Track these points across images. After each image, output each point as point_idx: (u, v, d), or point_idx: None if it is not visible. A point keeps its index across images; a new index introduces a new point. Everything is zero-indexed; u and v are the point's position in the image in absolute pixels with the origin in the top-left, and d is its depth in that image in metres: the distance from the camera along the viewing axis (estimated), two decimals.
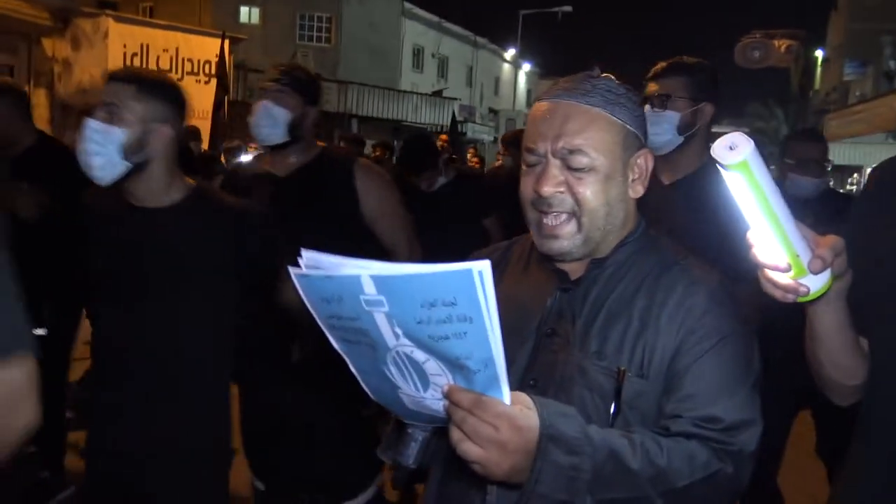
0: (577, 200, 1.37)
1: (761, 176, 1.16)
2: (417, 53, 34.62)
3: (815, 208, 3.31)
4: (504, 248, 1.63)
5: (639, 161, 1.42)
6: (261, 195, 2.76)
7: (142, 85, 2.11)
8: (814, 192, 3.51)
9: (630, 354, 1.34)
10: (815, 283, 1.23)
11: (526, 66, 43.27)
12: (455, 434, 1.13)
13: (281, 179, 2.85)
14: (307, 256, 1.10)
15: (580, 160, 1.36)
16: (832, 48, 31.36)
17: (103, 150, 2.04)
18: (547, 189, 1.37)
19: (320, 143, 3.01)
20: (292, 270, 1.10)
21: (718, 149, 1.17)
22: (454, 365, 1.10)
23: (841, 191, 8.75)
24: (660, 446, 1.24)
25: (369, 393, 1.24)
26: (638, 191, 1.44)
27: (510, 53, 41.92)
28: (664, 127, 2.48)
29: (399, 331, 1.08)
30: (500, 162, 8.00)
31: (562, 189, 1.37)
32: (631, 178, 1.42)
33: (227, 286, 2.25)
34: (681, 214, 2.19)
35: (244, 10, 28.26)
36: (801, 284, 1.22)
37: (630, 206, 1.45)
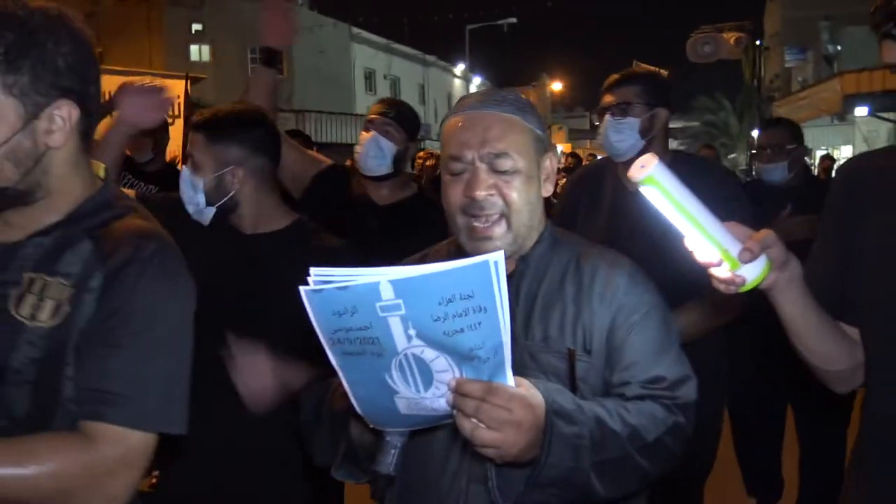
0: (506, 202, 1.47)
1: (671, 186, 1.28)
2: (369, 77, 34.95)
3: (803, 196, 3.36)
4: (416, 260, 1.67)
5: (546, 163, 1.55)
6: (362, 221, 2.83)
7: (210, 132, 2.16)
8: (781, 176, 3.57)
9: (572, 336, 1.46)
10: (751, 273, 1.31)
11: (476, 80, 43.73)
12: (467, 424, 1.18)
13: (380, 208, 2.92)
14: (316, 272, 1.12)
15: (506, 163, 1.46)
16: (770, 37, 32.25)
17: (193, 198, 2.15)
18: (480, 193, 1.45)
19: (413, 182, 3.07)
20: (303, 290, 1.11)
21: (632, 170, 1.30)
22: (464, 357, 1.15)
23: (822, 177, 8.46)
24: (626, 409, 1.37)
25: (356, 405, 1.27)
26: (548, 189, 1.56)
27: (460, 68, 42.43)
28: (626, 133, 2.60)
29: (412, 332, 1.12)
30: None
31: (493, 192, 1.46)
32: (542, 177, 1.54)
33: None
34: (647, 217, 2.28)
35: (194, 48, 28.50)
36: (737, 276, 1.31)
37: (542, 204, 1.56)
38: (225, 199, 2.15)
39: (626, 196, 2.56)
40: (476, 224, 1.47)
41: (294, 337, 1.99)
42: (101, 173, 1.45)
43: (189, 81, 12.74)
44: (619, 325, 1.47)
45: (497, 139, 1.46)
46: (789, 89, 28.22)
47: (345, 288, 1.09)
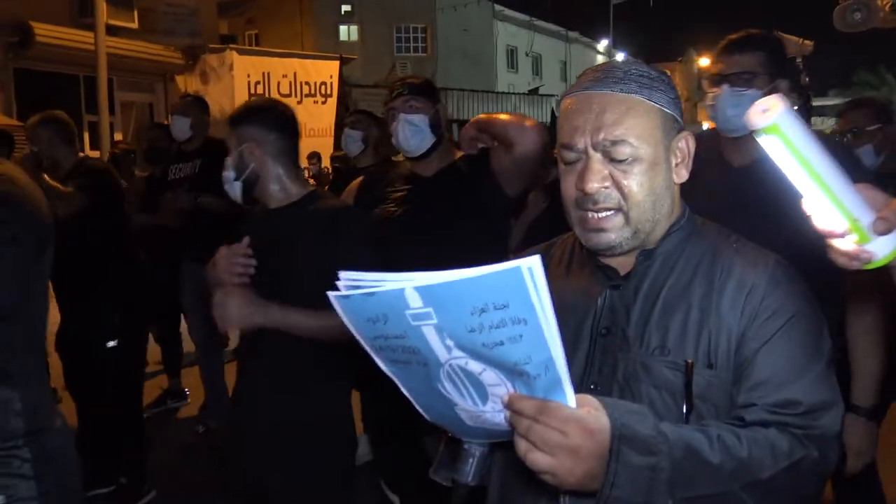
0: (623, 194, 1.31)
1: (798, 138, 1.11)
2: (511, 54, 34.98)
3: None
4: (542, 249, 1.54)
5: (680, 145, 1.36)
6: (404, 193, 2.92)
7: (231, 118, 2.52)
8: (870, 161, 3.22)
9: (695, 345, 1.27)
10: (882, 248, 1.14)
11: (620, 56, 42.98)
12: (522, 445, 1.07)
13: (428, 179, 2.94)
14: (345, 276, 1.06)
15: (623, 151, 1.29)
16: None
17: (226, 176, 2.49)
18: (592, 185, 1.29)
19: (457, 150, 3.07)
20: (332, 295, 1.05)
21: (751, 113, 1.13)
22: (513, 372, 1.04)
23: None
24: (738, 437, 1.17)
25: (424, 414, 1.20)
26: (682, 175, 1.37)
27: (603, 44, 41.73)
28: (746, 107, 2.30)
29: (451, 343, 1.02)
30: None
31: (607, 184, 1.30)
32: (674, 162, 1.35)
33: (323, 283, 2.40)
34: (756, 198, 2.09)
35: (343, 28, 29.30)
36: (865, 250, 1.14)
37: (675, 193, 1.38)
38: (246, 171, 2.45)
39: (731, 174, 2.38)
40: (590, 216, 1.32)
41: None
42: None
43: (342, 63, 13.39)
44: (752, 336, 1.26)
45: (613, 124, 1.28)
46: None
47: (371, 294, 1.02)
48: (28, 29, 10.64)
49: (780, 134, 1.10)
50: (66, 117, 4.11)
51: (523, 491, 1.34)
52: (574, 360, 1.27)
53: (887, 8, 11.85)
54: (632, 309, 1.33)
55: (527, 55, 35.96)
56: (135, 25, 12.47)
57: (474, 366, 1.04)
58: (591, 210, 1.31)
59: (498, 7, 33.01)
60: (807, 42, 11.31)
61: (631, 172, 1.30)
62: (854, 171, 2.40)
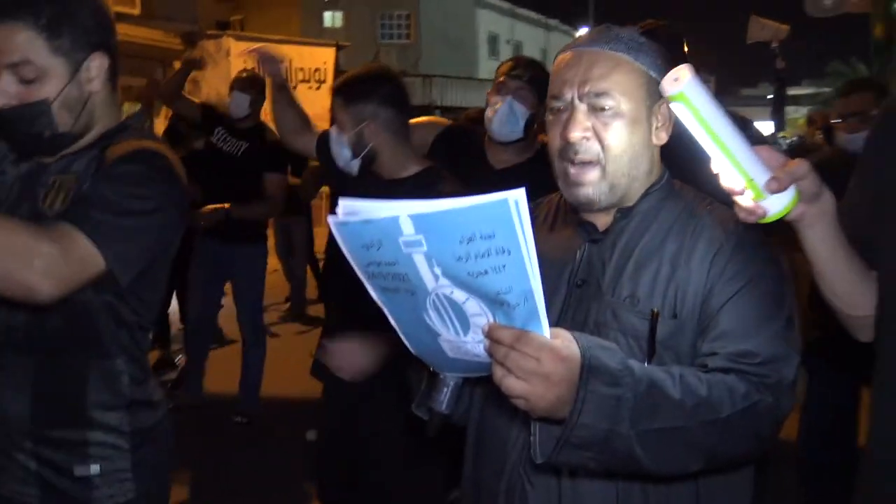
0: (602, 146, 1.37)
1: (702, 105, 1.20)
2: (493, 41, 35.38)
3: None
4: (529, 210, 1.58)
5: (662, 108, 1.42)
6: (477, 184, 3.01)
7: (343, 95, 2.47)
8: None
9: (662, 297, 1.35)
10: (775, 205, 1.24)
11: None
12: (498, 371, 1.12)
13: (495, 172, 2.89)
14: (344, 204, 1.10)
15: (606, 102, 1.36)
16: None
17: (340, 154, 2.49)
18: (575, 134, 1.37)
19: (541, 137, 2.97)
20: (331, 219, 1.10)
21: (664, 82, 1.23)
22: (494, 301, 1.09)
23: None
24: (699, 379, 1.24)
25: (409, 346, 1.25)
26: (662, 138, 1.44)
27: (582, 32, 42.21)
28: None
29: (438, 271, 1.08)
30: None
31: (588, 135, 1.37)
32: (655, 125, 1.42)
33: None
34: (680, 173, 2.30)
35: (328, 15, 29.65)
36: (759, 206, 1.24)
37: (655, 154, 1.45)
38: (365, 150, 2.46)
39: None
40: (571, 170, 1.40)
41: None
42: (131, 112, 1.80)
43: (338, 49, 13.81)
44: (718, 292, 1.34)
45: (599, 77, 1.37)
46: None
47: (368, 221, 1.07)
48: None
49: (686, 101, 1.20)
50: None
51: (499, 421, 1.43)
52: (551, 307, 1.25)
53: None
54: (607, 262, 1.41)
55: (508, 42, 36.39)
56: (136, 12, 12.80)
57: (459, 295, 1.10)
58: (572, 161, 1.38)
59: None
60: (782, 26, 10.68)
61: (611, 125, 1.37)
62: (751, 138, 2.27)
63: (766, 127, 15.45)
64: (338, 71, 14.23)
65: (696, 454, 1.23)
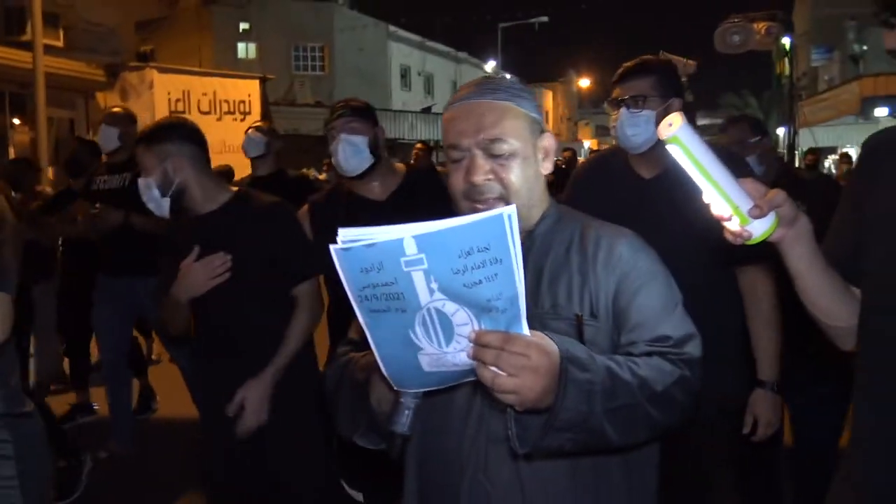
0: (503, 185, 1.52)
1: (693, 145, 1.37)
2: (405, 74, 35.89)
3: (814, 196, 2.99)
4: None
5: (543, 143, 1.60)
6: (360, 219, 3.06)
7: (145, 139, 2.63)
8: (757, 172, 3.38)
9: (580, 302, 1.53)
10: (758, 228, 1.40)
11: (506, 76, 44.50)
12: (487, 374, 1.23)
13: (379, 204, 2.99)
14: (344, 233, 1.18)
15: (502, 147, 1.51)
16: (798, 35, 32.52)
17: (150, 196, 2.61)
18: (478, 178, 1.51)
19: (399, 166, 3.15)
20: (333, 248, 1.16)
21: (661, 128, 1.39)
22: (483, 309, 1.21)
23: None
24: (636, 363, 1.42)
25: (381, 364, 1.32)
26: (547, 168, 1.61)
27: (490, 65, 43.31)
28: (643, 126, 2.52)
29: (434, 286, 1.17)
30: None
31: (490, 176, 1.52)
32: (540, 157, 1.60)
33: (265, 275, 2.62)
34: (662, 206, 2.28)
35: (241, 45, 29.54)
36: (745, 230, 1.40)
37: (543, 183, 1.63)
38: (173, 186, 2.59)
39: (642, 186, 2.59)
40: (478, 206, 1.51)
41: (259, 285, 2.61)
42: None
43: (264, 83, 14.00)
44: (624, 290, 1.53)
45: (491, 126, 1.51)
46: (815, 88, 28.37)
47: (372, 245, 1.14)
48: None
49: (679, 143, 1.37)
50: None
51: (458, 440, 1.54)
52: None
53: (763, 31, 12.47)
54: (524, 282, 1.54)
55: (419, 74, 36.99)
56: (60, 44, 12.72)
57: (450, 307, 1.20)
58: (478, 201, 1.52)
59: (392, 28, 33.92)
60: (690, 62, 11.33)
61: (509, 166, 1.53)
62: (741, 171, 2.20)
63: None
64: (264, 102, 14.43)
65: (646, 425, 1.41)
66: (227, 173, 9.66)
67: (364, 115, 2.98)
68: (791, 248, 1.46)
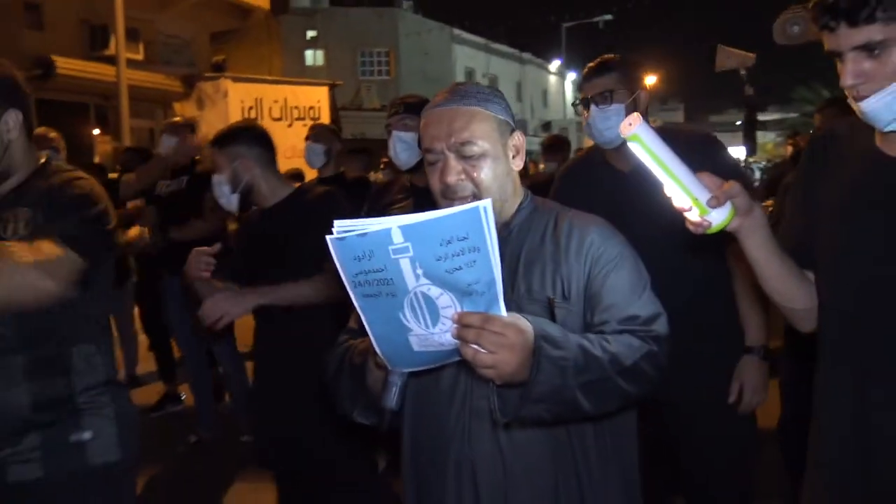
0: (475, 183, 1.63)
1: (652, 142, 1.46)
2: (469, 75, 36.02)
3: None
4: None
5: (513, 142, 1.70)
6: (405, 205, 3.13)
7: (217, 142, 2.89)
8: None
9: (552, 287, 1.64)
10: (716, 218, 1.48)
11: (571, 76, 44.46)
12: (468, 351, 1.34)
13: (420, 190, 3.12)
14: (339, 224, 1.29)
15: (471, 149, 1.62)
16: None
17: (220, 193, 2.88)
18: (451, 178, 1.62)
19: None
20: (329, 238, 1.27)
21: (621, 127, 1.48)
22: (464, 293, 1.31)
23: None
24: (606, 340, 1.53)
25: (376, 346, 1.43)
26: (518, 164, 1.72)
27: (555, 65, 43.25)
28: (613, 120, 2.55)
29: (420, 272, 1.27)
30: (543, 167, 8.63)
31: (462, 177, 1.63)
32: (511, 155, 1.70)
33: (319, 259, 2.54)
34: (639, 197, 2.33)
35: (309, 53, 30.18)
36: (705, 220, 1.48)
37: (515, 178, 1.73)
38: (242, 184, 2.85)
39: (622, 179, 2.65)
40: (454, 204, 1.59)
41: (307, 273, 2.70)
42: (43, 158, 2.11)
43: (332, 89, 14.41)
44: (595, 275, 1.63)
45: (461, 129, 1.62)
46: None
47: (363, 235, 1.25)
48: (50, 62, 11.39)
49: (639, 141, 1.47)
50: None
51: (445, 415, 1.67)
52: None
53: None
54: (502, 269, 1.59)
55: (484, 76, 37.12)
56: (140, 57, 13.35)
57: (434, 291, 1.30)
58: (453, 199, 1.62)
59: (456, 31, 34.22)
60: (749, 54, 11.05)
61: (479, 166, 1.63)
62: (714, 162, 2.36)
63: (737, 152, 15.97)
64: (333, 108, 14.85)
65: (617, 396, 1.53)
66: (297, 176, 9.97)
67: (417, 111, 3.01)
68: (748, 238, 1.55)
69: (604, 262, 1.64)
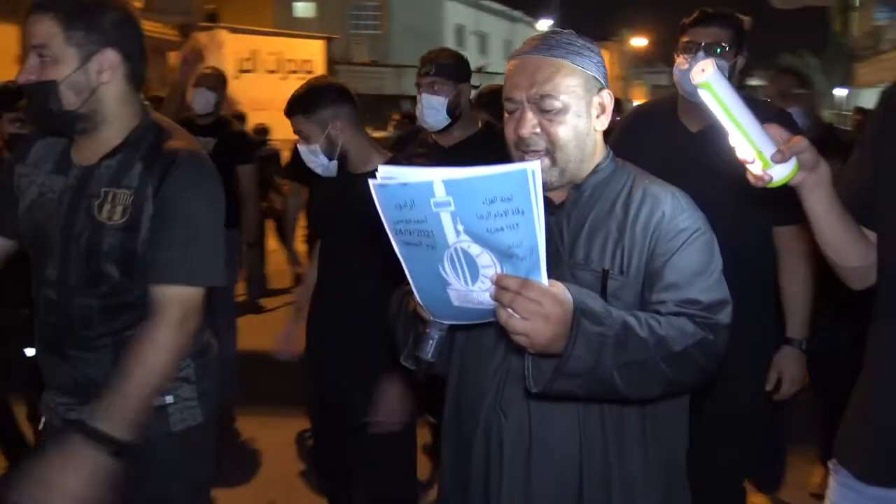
0: (550, 140, 1.56)
1: (723, 91, 1.43)
2: (459, 32, 35.97)
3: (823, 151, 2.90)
4: None
5: (599, 101, 1.61)
6: (422, 160, 3.04)
7: (301, 110, 2.62)
8: (802, 124, 3.35)
9: (612, 258, 1.56)
10: (779, 172, 1.46)
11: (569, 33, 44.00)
12: (503, 314, 1.30)
13: (445, 150, 3.17)
14: (383, 170, 1.27)
15: (551, 103, 1.54)
16: None
17: (317, 163, 2.67)
18: (524, 131, 1.55)
19: (481, 117, 3.28)
20: (371, 182, 1.25)
21: (693, 72, 1.45)
22: (504, 255, 1.26)
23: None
24: (658, 321, 1.45)
25: (417, 295, 1.41)
26: (603, 123, 1.63)
27: (546, 24, 43.09)
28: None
29: (461, 228, 1.24)
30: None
31: (537, 130, 1.55)
32: (595, 114, 1.60)
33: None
34: (705, 161, 2.25)
35: (299, 5, 30.01)
36: (767, 173, 1.46)
37: (598, 138, 1.64)
38: (338, 149, 2.64)
39: (686, 137, 2.57)
40: (526, 158, 1.55)
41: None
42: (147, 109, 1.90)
43: (329, 43, 14.50)
44: (660, 253, 1.55)
45: (543, 81, 1.55)
46: (878, 48, 27.93)
47: (405, 184, 1.23)
48: None
49: (710, 89, 1.43)
50: None
51: (476, 368, 1.66)
52: None
53: None
54: (564, 230, 1.60)
55: (474, 34, 37.04)
56: (140, 5, 13.33)
57: (474, 248, 1.26)
58: (525, 152, 1.56)
59: None
60: (746, 18, 11.69)
61: (556, 121, 1.55)
62: (783, 123, 2.13)
63: None
64: (330, 62, 14.98)
65: (658, 382, 1.44)
66: (263, 131, 9.14)
67: (449, 73, 3.09)
68: (810, 193, 1.52)
69: (670, 237, 1.56)
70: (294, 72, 15.44)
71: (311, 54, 14.71)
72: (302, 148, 2.67)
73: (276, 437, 4.41)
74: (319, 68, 14.70)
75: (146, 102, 1.93)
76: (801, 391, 2.78)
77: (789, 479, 3.67)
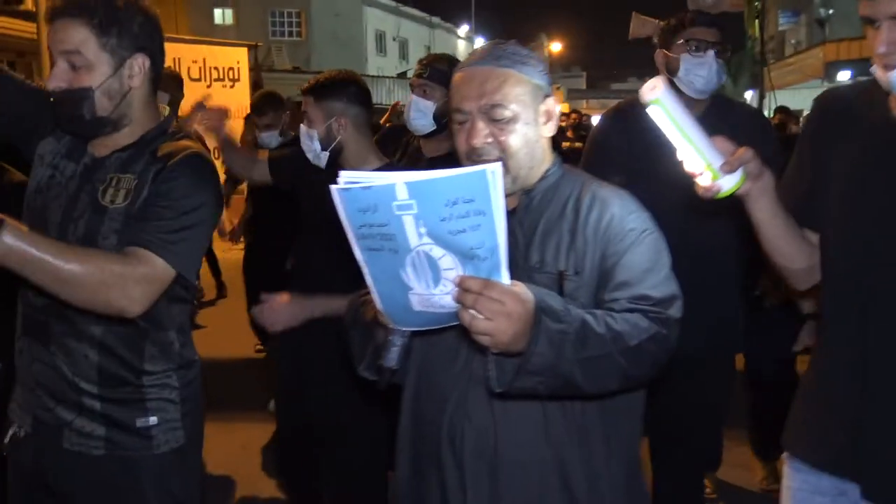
0: (502, 148, 1.57)
1: (673, 108, 1.49)
2: (380, 38, 36.05)
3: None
4: None
5: (545, 108, 1.63)
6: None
7: (315, 93, 2.62)
8: None
9: (565, 260, 1.58)
10: (727, 183, 1.50)
11: (479, 41, 44.66)
12: (466, 315, 1.31)
13: (427, 160, 3.15)
14: (345, 174, 1.27)
15: (501, 113, 1.56)
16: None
17: (310, 147, 2.64)
18: (477, 141, 1.56)
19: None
20: (333, 188, 1.24)
21: (643, 90, 1.51)
22: (466, 256, 1.28)
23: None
24: (613, 318, 1.47)
25: (377, 301, 1.40)
26: (550, 129, 1.65)
27: (464, 30, 43.51)
28: (711, 71, 2.63)
29: (423, 230, 1.25)
30: None
31: (489, 140, 1.57)
32: (542, 121, 1.63)
33: None
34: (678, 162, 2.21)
35: (217, 11, 29.55)
36: (715, 184, 1.50)
37: (545, 144, 1.65)
38: (334, 143, 2.61)
39: (662, 140, 2.68)
40: None
41: None
42: (165, 112, 1.91)
43: (252, 50, 14.32)
44: (611, 254, 1.57)
45: (493, 91, 1.56)
46: (783, 52, 28.41)
47: (368, 188, 1.22)
48: None
49: (661, 105, 1.49)
50: None
51: (445, 377, 1.64)
52: None
53: None
54: (518, 236, 1.61)
55: (394, 40, 37.13)
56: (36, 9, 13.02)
57: (437, 251, 1.27)
58: (478, 162, 1.52)
59: None
60: (661, 23, 11.98)
61: (507, 130, 1.57)
62: (759, 122, 2.84)
63: None
64: (256, 69, 14.79)
65: (616, 376, 1.47)
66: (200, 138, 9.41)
67: (440, 78, 3.00)
68: (755, 202, 1.58)
69: (620, 238, 1.58)
70: (219, 79, 15.21)
71: (235, 62, 14.54)
72: (303, 128, 2.66)
73: (231, 441, 4.40)
74: (244, 75, 14.56)
75: (166, 106, 1.96)
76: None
77: (726, 458, 3.85)
